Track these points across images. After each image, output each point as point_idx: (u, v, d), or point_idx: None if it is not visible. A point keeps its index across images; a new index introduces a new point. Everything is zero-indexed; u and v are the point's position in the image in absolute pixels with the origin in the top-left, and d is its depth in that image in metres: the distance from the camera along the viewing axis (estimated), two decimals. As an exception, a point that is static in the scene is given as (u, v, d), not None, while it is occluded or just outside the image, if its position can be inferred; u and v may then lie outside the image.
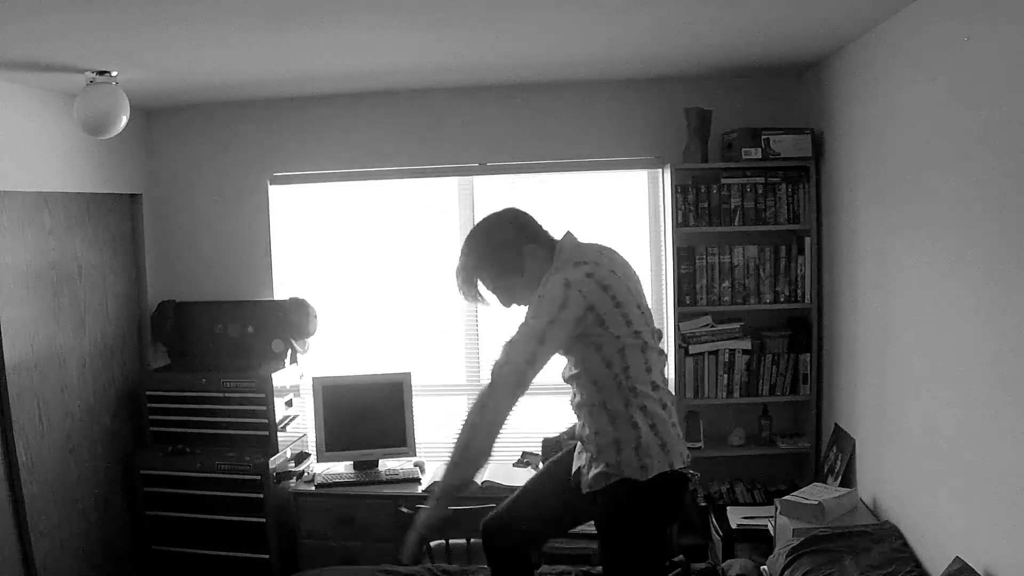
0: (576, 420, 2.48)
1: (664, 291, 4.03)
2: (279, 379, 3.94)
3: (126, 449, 4.05)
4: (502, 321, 4.16)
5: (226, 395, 3.89)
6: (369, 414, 4.05)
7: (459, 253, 2.42)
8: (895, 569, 2.57)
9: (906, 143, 2.81)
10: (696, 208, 3.81)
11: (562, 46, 3.29)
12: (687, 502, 2.55)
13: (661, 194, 4.06)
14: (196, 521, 3.88)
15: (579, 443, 2.48)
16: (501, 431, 2.22)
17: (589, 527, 2.56)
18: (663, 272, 4.06)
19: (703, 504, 3.83)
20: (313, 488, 3.90)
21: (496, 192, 4.26)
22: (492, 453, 2.25)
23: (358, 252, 4.39)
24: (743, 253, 3.83)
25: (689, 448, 3.84)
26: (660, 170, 4.07)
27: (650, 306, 2.44)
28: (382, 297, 4.38)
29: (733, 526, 3.56)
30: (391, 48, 3.21)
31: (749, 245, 3.83)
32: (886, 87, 2.97)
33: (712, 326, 3.87)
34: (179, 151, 4.32)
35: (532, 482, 2.73)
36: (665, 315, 4.04)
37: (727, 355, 3.87)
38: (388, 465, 4.06)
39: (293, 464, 4.01)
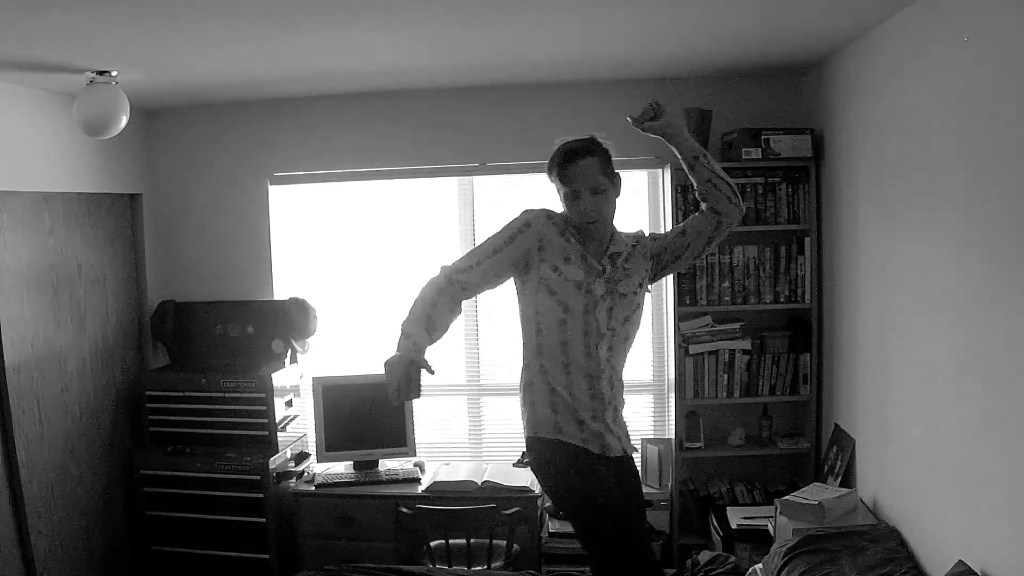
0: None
1: (664, 291, 4.02)
2: (279, 379, 3.93)
3: (126, 449, 4.05)
4: (501, 322, 4.25)
5: (226, 395, 3.88)
6: (369, 414, 4.04)
7: (593, 142, 2.58)
8: (891, 569, 2.56)
9: (906, 143, 2.81)
10: (696, 208, 3.79)
11: (563, 46, 3.29)
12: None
13: (661, 194, 4.06)
14: (196, 521, 3.88)
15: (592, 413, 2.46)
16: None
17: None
18: (663, 272, 4.05)
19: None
20: (313, 488, 3.89)
21: (496, 192, 4.26)
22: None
23: (358, 252, 4.39)
24: (743, 253, 3.83)
25: (689, 448, 3.91)
26: (660, 170, 4.06)
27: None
28: (382, 297, 4.37)
29: (733, 526, 3.56)
30: (391, 48, 3.21)
31: (749, 245, 3.83)
32: (886, 87, 2.97)
33: (712, 326, 3.87)
34: (179, 151, 4.32)
35: (615, 509, 2.45)
36: (665, 315, 4.04)
37: (727, 355, 3.87)
38: (388, 465, 4.06)
39: (293, 464, 4.01)
